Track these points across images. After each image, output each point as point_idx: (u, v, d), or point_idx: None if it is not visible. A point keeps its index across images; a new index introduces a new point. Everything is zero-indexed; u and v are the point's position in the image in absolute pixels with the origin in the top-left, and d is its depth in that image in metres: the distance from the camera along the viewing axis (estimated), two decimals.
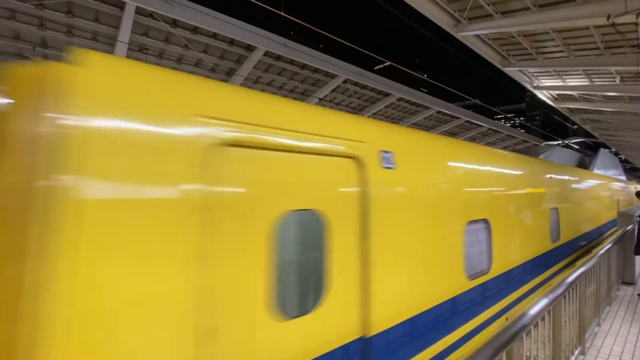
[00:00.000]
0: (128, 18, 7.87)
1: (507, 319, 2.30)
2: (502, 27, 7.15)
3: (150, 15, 8.19)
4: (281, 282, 2.13)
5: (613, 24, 5.93)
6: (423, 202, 3.26)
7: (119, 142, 1.51)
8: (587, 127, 19.01)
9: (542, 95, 12.75)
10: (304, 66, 11.52)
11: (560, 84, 10.89)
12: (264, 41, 9.70)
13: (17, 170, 1.41)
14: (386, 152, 3.00)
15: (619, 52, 8.03)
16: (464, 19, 7.28)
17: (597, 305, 4.97)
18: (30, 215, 1.34)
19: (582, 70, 8.81)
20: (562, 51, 8.70)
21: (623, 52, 7.92)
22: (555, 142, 15.73)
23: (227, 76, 10.93)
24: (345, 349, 2.37)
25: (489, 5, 6.82)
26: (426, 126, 17.62)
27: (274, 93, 12.18)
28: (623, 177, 20.66)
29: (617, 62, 8.23)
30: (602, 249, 5.13)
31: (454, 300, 3.57)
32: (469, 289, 3.84)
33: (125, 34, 8.13)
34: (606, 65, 8.48)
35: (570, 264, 7.75)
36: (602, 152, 15.40)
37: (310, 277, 2.36)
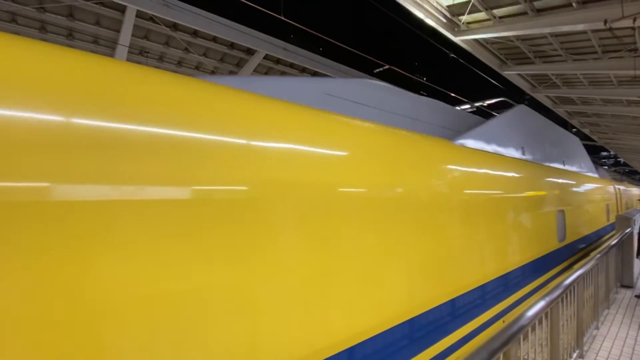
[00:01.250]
0: (129, 21, 7.91)
1: (504, 321, 2.31)
2: (500, 31, 7.21)
3: (151, 18, 8.25)
4: None
5: (610, 29, 5.99)
6: None
7: None
8: (586, 131, 19.06)
9: (540, 97, 12.81)
10: (303, 69, 11.58)
11: None
12: (264, 44, 9.76)
13: None
14: None
15: (616, 57, 8.09)
16: (463, 23, 7.33)
17: (595, 308, 4.97)
18: None
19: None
20: (560, 55, 8.76)
21: (620, 57, 7.98)
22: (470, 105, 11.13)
23: None
24: None
25: (487, 10, 6.88)
26: None
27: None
28: (588, 171, 12.44)
29: (615, 66, 8.29)
30: (600, 252, 5.14)
31: None
32: None
33: (125, 37, 8.17)
34: (604, 70, 8.54)
35: None
36: (518, 111, 7.30)
37: None
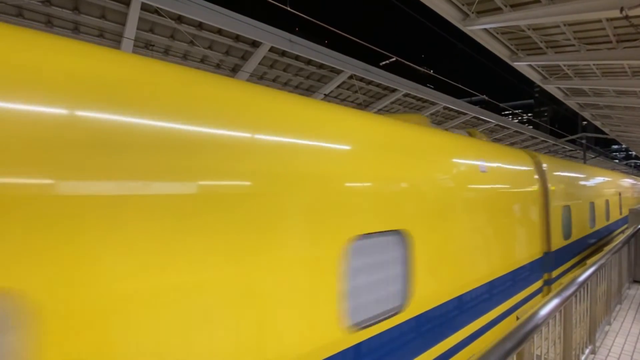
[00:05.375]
0: (134, 14, 7.87)
1: (517, 318, 2.26)
2: (511, 20, 7.02)
3: (156, 11, 8.19)
4: None
5: (626, 17, 5.78)
6: None
7: None
8: (598, 123, 18.67)
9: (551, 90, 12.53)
10: (309, 62, 11.45)
11: None
12: (269, 37, 9.65)
13: None
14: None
15: (632, 46, 7.84)
16: (473, 12, 7.15)
17: (607, 304, 4.89)
18: None
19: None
20: (572, 45, 8.52)
21: (636, 46, 7.74)
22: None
23: (232, 72, 10.92)
24: None
25: None
26: (433, 122, 17.47)
27: (279, 89, 12.14)
28: None
29: (630, 56, 8.04)
30: (613, 247, 5.04)
31: None
32: None
33: (131, 30, 8.14)
34: (619, 60, 8.29)
35: None
36: None
37: None
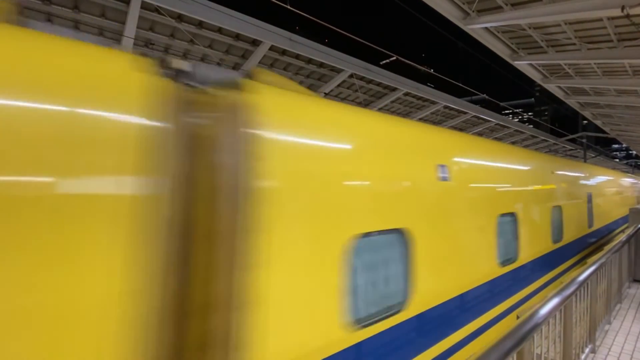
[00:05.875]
0: (134, 13, 7.86)
1: (518, 317, 2.26)
2: (512, 19, 7.00)
3: (156, 10, 8.18)
4: None
5: (627, 16, 5.77)
6: None
7: None
8: (598, 122, 18.66)
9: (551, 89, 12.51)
10: (309, 61, 11.44)
11: None
12: (270, 35, 9.64)
13: None
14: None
15: (632, 45, 7.83)
16: (473, 11, 7.14)
17: (607, 303, 4.89)
18: None
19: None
20: (573, 44, 8.51)
21: (637, 45, 7.72)
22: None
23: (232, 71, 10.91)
24: None
25: None
26: (433, 121, 17.46)
27: None
28: None
29: (631, 55, 8.02)
30: (614, 246, 5.04)
31: None
32: None
33: (131, 29, 8.13)
34: (619, 59, 8.28)
35: None
36: None
37: None
